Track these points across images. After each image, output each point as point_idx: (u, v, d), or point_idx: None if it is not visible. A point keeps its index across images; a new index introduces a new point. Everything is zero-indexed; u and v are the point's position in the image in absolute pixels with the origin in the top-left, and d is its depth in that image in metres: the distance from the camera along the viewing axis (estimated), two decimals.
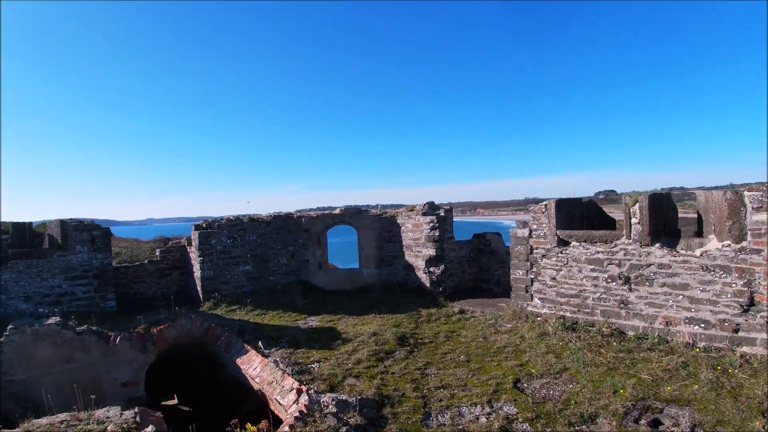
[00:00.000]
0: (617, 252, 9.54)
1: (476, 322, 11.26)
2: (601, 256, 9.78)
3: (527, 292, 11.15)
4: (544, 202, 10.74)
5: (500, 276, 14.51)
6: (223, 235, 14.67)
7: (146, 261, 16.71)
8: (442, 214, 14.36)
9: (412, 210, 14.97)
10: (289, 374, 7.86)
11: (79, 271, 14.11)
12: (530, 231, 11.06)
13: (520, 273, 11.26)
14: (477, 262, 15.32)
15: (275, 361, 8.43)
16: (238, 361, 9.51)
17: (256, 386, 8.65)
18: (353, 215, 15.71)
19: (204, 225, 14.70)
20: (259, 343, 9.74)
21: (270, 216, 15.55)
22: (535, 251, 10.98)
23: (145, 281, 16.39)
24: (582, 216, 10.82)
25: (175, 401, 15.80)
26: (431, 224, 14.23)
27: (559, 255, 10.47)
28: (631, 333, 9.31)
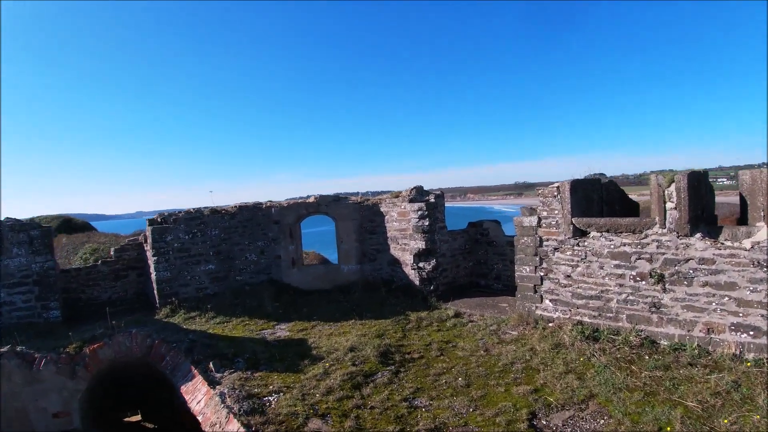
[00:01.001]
0: (648, 244, 7.74)
1: (475, 329, 9.50)
2: (628, 249, 7.98)
3: (536, 292, 9.34)
4: (556, 184, 8.85)
5: (500, 270, 12.71)
6: (181, 231, 12.72)
7: (99, 262, 14.72)
8: (432, 200, 12.42)
9: (397, 196, 12.98)
10: (236, 415, 6.04)
11: (17, 278, 12.10)
12: (539, 219, 9.18)
13: (527, 270, 9.44)
14: (473, 255, 13.45)
15: (222, 395, 6.59)
16: (183, 389, 7.67)
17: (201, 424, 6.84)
18: (330, 204, 13.75)
19: (159, 219, 12.76)
20: (210, 364, 7.89)
21: (235, 207, 13.57)
22: (545, 243, 9.13)
23: (98, 285, 14.38)
24: (601, 200, 8.98)
25: (139, 417, 14.17)
26: (420, 212, 12.32)
27: (576, 248, 8.64)
28: (664, 343, 7.63)
